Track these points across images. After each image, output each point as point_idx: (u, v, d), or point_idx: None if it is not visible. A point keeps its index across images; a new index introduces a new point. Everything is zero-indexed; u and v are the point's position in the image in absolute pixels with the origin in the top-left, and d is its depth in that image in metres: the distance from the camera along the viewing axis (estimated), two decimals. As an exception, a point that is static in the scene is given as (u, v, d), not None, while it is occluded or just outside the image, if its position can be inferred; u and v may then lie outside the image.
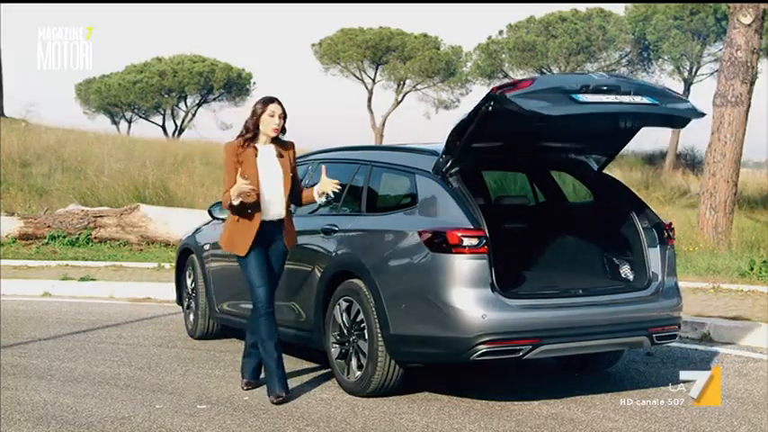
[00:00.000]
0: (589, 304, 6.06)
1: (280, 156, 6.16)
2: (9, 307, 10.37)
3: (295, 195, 6.25)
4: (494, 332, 5.65)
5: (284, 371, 6.20)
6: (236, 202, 5.97)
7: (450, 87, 47.92)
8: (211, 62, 47.94)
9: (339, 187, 6.20)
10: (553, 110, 5.51)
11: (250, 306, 7.65)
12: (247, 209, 6.05)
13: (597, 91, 5.66)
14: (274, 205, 6.12)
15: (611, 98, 5.70)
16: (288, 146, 6.23)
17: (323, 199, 6.34)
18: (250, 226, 6.08)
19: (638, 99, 5.78)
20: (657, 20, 40.78)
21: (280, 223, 6.17)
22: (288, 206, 6.19)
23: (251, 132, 6.10)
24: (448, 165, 6.08)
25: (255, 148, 6.11)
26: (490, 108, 5.59)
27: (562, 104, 5.57)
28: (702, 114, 6.05)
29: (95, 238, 15.34)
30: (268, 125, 6.08)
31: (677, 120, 6.26)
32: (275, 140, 6.17)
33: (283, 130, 6.18)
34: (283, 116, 6.12)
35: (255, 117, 6.08)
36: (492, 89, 5.59)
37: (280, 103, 6.12)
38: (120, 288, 11.53)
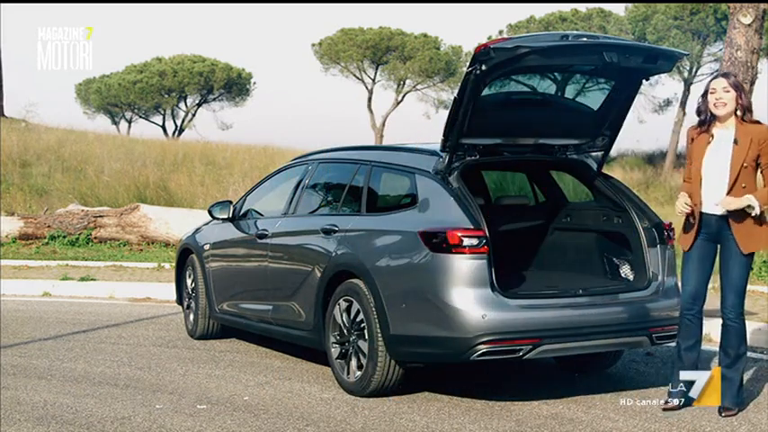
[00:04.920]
0: (589, 304, 6.06)
1: (737, 142, 5.51)
2: (9, 307, 10.37)
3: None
4: (494, 332, 5.66)
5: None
6: (679, 214, 5.64)
7: (451, 87, 47.80)
8: (211, 62, 47.91)
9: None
10: (537, 43, 5.68)
11: (250, 306, 7.69)
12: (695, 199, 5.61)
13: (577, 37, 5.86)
14: (714, 197, 5.55)
15: (593, 39, 5.95)
16: (759, 132, 5.51)
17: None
18: (698, 218, 5.62)
19: (620, 40, 6.02)
20: (657, 20, 40.74)
21: (726, 219, 5.57)
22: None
23: (702, 115, 5.60)
24: (447, 161, 6.09)
25: (711, 135, 5.60)
26: (479, 71, 5.64)
27: (547, 40, 5.85)
28: (687, 54, 6.07)
29: (95, 238, 15.34)
30: (710, 104, 5.56)
31: (662, 57, 6.06)
32: (744, 123, 5.55)
33: (744, 110, 5.54)
34: (736, 89, 5.50)
35: (704, 98, 5.60)
36: (474, 50, 5.66)
37: (725, 76, 5.59)
38: (120, 288, 11.53)
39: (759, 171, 5.62)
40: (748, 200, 5.47)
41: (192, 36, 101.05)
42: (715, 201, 5.57)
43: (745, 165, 5.51)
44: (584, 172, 6.85)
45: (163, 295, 11.07)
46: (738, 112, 5.56)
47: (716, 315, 8.85)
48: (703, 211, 5.65)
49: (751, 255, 5.67)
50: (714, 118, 5.64)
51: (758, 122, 5.65)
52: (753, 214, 5.50)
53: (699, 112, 5.66)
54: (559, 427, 5.55)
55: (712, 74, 5.68)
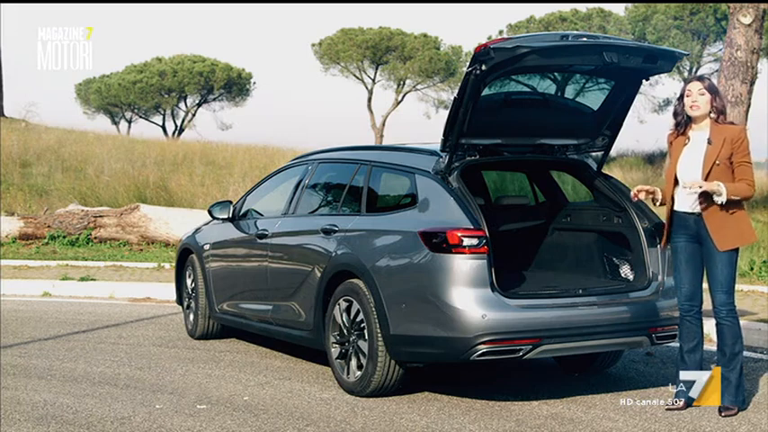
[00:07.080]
0: (589, 304, 6.06)
1: (710, 142, 5.63)
2: (9, 307, 10.37)
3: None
4: (494, 332, 5.66)
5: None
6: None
7: (451, 87, 47.80)
8: (211, 62, 47.91)
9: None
10: (537, 43, 5.68)
11: (250, 306, 7.70)
12: (671, 199, 5.75)
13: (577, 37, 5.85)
14: (688, 196, 5.67)
15: (593, 39, 5.94)
16: (732, 132, 5.64)
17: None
18: (668, 217, 5.79)
19: (620, 41, 6.02)
20: (657, 20, 40.75)
21: (702, 218, 5.64)
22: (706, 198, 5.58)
23: (679, 117, 5.75)
24: (447, 161, 6.09)
25: (687, 137, 5.74)
26: (479, 71, 5.64)
27: (547, 40, 5.83)
28: (687, 53, 6.10)
29: (95, 238, 15.34)
30: (686, 106, 5.69)
31: (662, 57, 6.06)
32: (718, 125, 5.66)
33: (719, 113, 5.65)
34: (711, 92, 5.63)
35: (680, 101, 5.74)
36: (474, 50, 5.66)
37: (700, 79, 5.70)
38: (120, 288, 11.53)
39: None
40: (717, 185, 5.50)
41: (192, 36, 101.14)
42: (688, 201, 5.65)
43: (717, 162, 5.59)
44: (584, 172, 6.85)
45: (163, 295, 11.07)
46: (713, 115, 5.68)
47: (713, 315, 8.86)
48: (679, 210, 5.75)
49: (734, 252, 5.70)
50: (690, 120, 5.74)
51: (732, 123, 5.83)
52: (718, 202, 5.55)
53: (675, 115, 5.78)
54: (559, 427, 5.56)
55: (690, 77, 5.75)
